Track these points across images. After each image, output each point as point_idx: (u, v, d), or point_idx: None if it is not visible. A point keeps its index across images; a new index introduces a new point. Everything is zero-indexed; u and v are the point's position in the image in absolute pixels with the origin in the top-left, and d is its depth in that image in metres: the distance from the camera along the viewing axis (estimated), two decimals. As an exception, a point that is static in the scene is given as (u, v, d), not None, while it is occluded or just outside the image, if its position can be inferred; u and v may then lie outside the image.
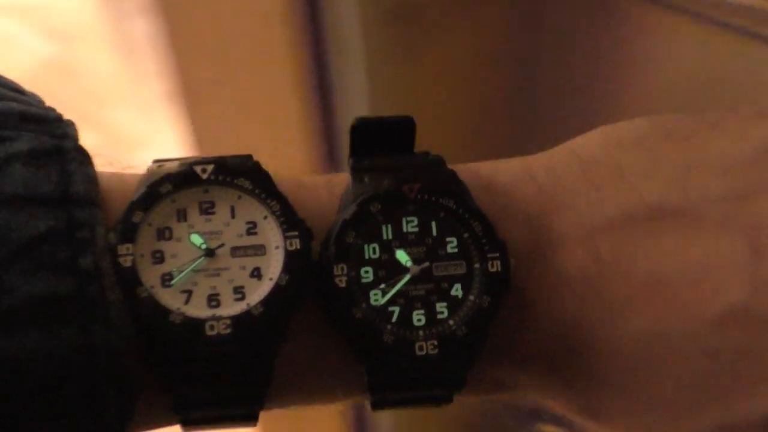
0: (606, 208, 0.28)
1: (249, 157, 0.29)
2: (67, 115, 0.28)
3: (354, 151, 0.30)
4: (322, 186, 0.30)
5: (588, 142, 0.30)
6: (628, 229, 0.28)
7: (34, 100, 0.27)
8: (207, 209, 0.27)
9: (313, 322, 0.27)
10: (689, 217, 0.27)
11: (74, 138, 0.26)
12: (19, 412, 0.22)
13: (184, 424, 0.27)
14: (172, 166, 0.28)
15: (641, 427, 0.29)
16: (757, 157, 0.28)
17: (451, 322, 0.28)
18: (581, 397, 0.29)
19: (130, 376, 0.24)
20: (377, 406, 0.29)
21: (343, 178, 0.30)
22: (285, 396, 0.28)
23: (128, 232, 0.26)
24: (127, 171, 0.29)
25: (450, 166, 0.30)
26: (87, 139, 0.28)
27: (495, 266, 0.28)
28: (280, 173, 0.29)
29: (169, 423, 0.28)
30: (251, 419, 0.27)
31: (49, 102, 0.29)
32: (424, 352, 0.27)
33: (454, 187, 0.29)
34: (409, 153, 0.31)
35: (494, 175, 0.30)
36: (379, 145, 0.30)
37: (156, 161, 0.28)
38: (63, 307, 0.23)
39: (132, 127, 1.69)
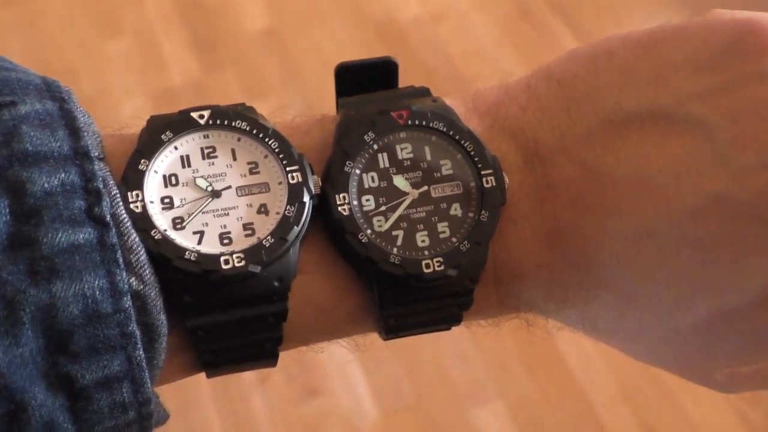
0: (585, 119, 0.30)
1: (242, 104, 0.31)
2: None
3: (340, 94, 0.32)
4: (313, 125, 0.32)
5: (562, 62, 0.32)
6: (608, 137, 0.29)
7: (30, 71, 0.28)
8: (209, 154, 0.29)
9: (321, 257, 0.29)
10: (666, 118, 0.29)
11: (74, 101, 0.27)
12: (59, 356, 0.24)
13: (206, 366, 0.29)
14: (170, 115, 0.29)
15: (636, 327, 0.31)
16: (727, 51, 0.29)
17: (453, 239, 0.29)
18: (578, 306, 0.31)
19: (152, 317, 0.26)
20: (390, 331, 0.31)
21: (333, 117, 0.32)
22: (300, 334, 0.30)
23: (135, 179, 0.27)
24: (128, 131, 0.30)
25: (434, 95, 0.32)
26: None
27: (490, 182, 0.30)
28: (272, 117, 0.31)
29: (193, 371, 0.30)
30: (272, 357, 0.30)
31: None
32: (431, 270, 0.29)
33: (443, 111, 0.31)
34: (393, 88, 0.33)
35: (477, 98, 0.32)
36: (364, 86, 0.32)
37: (153, 116, 0.30)
38: (84, 255, 0.24)
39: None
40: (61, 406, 0.24)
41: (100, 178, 0.26)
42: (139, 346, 0.25)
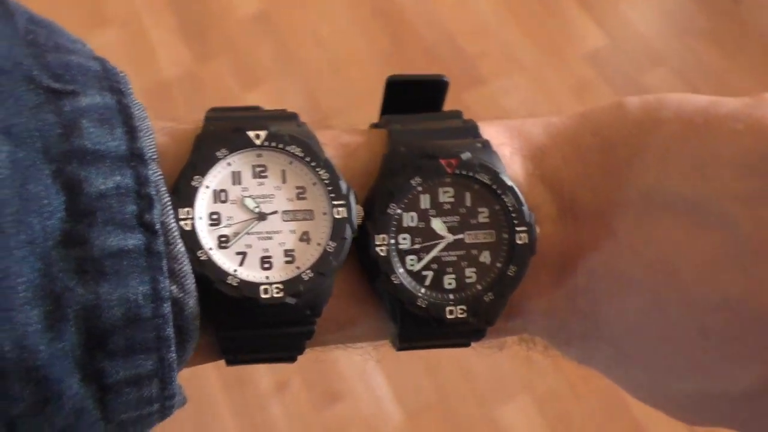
0: (624, 188, 0.31)
1: (293, 116, 0.32)
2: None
3: (387, 108, 0.34)
4: (362, 147, 0.32)
5: (610, 117, 0.33)
6: (643, 213, 0.30)
7: (87, 50, 0.29)
8: (260, 173, 0.30)
9: (352, 281, 0.31)
10: (702, 211, 0.30)
11: (131, 92, 0.28)
12: (96, 352, 0.25)
13: (229, 363, 0.31)
14: (226, 129, 0.30)
15: (628, 378, 0.34)
16: (751, 193, 0.29)
17: (479, 286, 0.31)
18: (578, 350, 0.34)
19: (188, 322, 0.27)
20: (404, 349, 0.32)
21: (381, 138, 0.32)
22: (322, 342, 0.32)
23: (187, 195, 0.28)
24: (178, 126, 0.31)
25: (481, 125, 0.33)
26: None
27: (522, 239, 0.31)
28: (321, 130, 0.32)
29: (215, 360, 0.31)
30: (290, 361, 0.31)
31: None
32: (453, 316, 0.31)
33: (487, 159, 0.32)
34: (438, 110, 0.34)
35: (522, 137, 0.33)
36: (412, 101, 0.33)
37: (209, 114, 0.31)
38: (132, 260, 0.25)
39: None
40: (91, 396, 0.25)
41: (153, 184, 0.27)
42: (172, 349, 0.26)
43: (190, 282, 0.27)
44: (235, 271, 0.29)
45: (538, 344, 0.36)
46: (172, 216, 0.27)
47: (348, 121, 0.34)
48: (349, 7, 1.69)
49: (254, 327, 0.29)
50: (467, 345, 0.33)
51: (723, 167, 0.30)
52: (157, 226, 0.26)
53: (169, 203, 0.28)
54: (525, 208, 0.31)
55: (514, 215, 0.31)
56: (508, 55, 1.62)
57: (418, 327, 0.31)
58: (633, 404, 1.23)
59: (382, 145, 0.32)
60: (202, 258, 0.28)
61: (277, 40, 1.64)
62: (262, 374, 1.23)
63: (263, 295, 0.29)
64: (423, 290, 0.31)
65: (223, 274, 0.28)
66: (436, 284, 0.31)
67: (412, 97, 0.34)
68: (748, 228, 0.29)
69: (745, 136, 0.30)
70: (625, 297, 0.31)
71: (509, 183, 0.31)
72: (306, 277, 0.29)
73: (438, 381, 1.26)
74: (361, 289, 0.31)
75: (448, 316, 0.31)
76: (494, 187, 0.31)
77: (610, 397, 1.24)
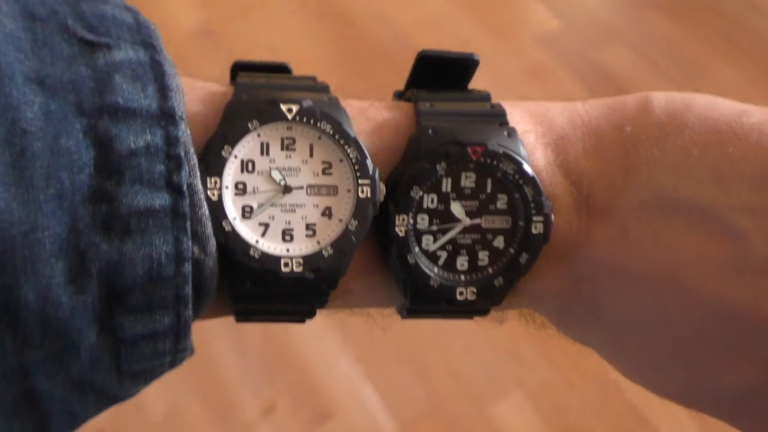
0: (641, 189, 0.32)
1: (326, 87, 0.32)
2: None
3: (412, 82, 0.34)
4: (389, 123, 0.32)
5: (636, 114, 0.33)
6: (656, 216, 0.31)
7: (119, 0, 0.29)
8: (288, 145, 0.30)
9: (366, 253, 0.32)
10: (715, 220, 0.30)
11: (162, 48, 0.28)
12: (116, 307, 0.26)
13: (239, 321, 0.32)
14: (259, 100, 0.30)
15: (623, 366, 0.35)
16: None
17: (490, 270, 0.32)
18: (578, 332, 0.35)
19: (206, 282, 0.28)
20: (408, 318, 0.34)
21: (408, 116, 0.33)
22: (333, 308, 0.33)
23: (216, 165, 0.29)
24: (207, 88, 0.31)
25: (506, 106, 0.33)
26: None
27: (538, 228, 0.32)
28: (349, 100, 0.32)
29: (225, 315, 0.32)
30: (300, 322, 0.33)
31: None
32: (464, 297, 0.32)
33: (512, 147, 0.32)
34: (465, 89, 0.34)
35: (545, 123, 0.34)
36: (438, 78, 0.34)
37: (241, 80, 0.31)
38: (157, 220, 0.26)
39: None
40: (108, 348, 0.26)
41: (182, 144, 0.27)
42: (189, 306, 0.27)
43: (212, 244, 0.28)
44: (257, 242, 0.30)
45: (537, 319, 0.37)
46: (198, 178, 0.28)
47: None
48: (293, 13, 1.66)
49: (271, 299, 0.31)
50: (470, 318, 0.35)
51: (742, 181, 0.31)
52: (184, 188, 0.27)
53: (197, 165, 0.28)
54: (544, 198, 0.32)
55: (532, 205, 0.32)
56: (461, 45, 1.60)
57: (427, 304, 0.32)
58: (627, 388, 1.22)
59: (410, 125, 0.33)
60: (226, 228, 0.29)
61: (225, 52, 1.60)
62: (247, 399, 1.20)
63: (284, 269, 0.29)
64: (436, 269, 0.32)
65: (246, 245, 0.29)
66: (449, 265, 0.32)
67: (441, 73, 0.34)
68: (759, 243, 0.30)
69: (767, 151, 0.31)
70: (628, 292, 0.32)
71: (531, 174, 0.32)
72: (326, 254, 0.30)
73: (429, 386, 1.23)
74: (375, 261, 0.32)
75: (458, 297, 0.32)
76: (516, 176, 0.32)
77: (604, 384, 1.23)
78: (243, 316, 0.32)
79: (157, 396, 1.17)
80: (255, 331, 1.24)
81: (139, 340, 0.27)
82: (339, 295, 0.32)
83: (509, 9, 1.67)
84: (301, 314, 0.32)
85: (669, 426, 1.20)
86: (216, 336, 1.22)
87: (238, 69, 0.32)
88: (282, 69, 0.33)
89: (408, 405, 1.21)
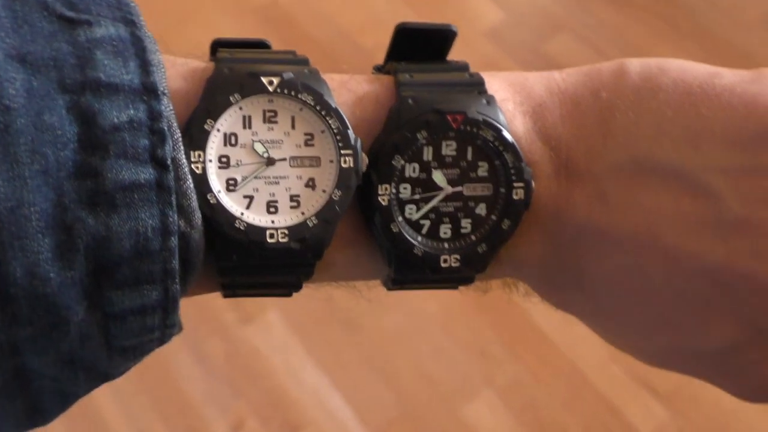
0: (618, 152, 0.33)
1: (305, 60, 0.32)
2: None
3: (392, 54, 0.34)
4: (370, 95, 0.33)
5: (612, 79, 0.34)
6: (633, 177, 0.32)
7: None
8: (270, 118, 0.31)
9: (350, 224, 0.32)
10: (689, 180, 0.31)
11: (143, 24, 0.28)
12: (104, 282, 0.26)
13: (226, 296, 0.33)
14: (240, 73, 0.31)
15: (604, 331, 0.36)
16: (763, 137, 0.31)
17: (473, 237, 0.33)
18: (559, 299, 0.36)
19: (193, 255, 0.28)
20: (394, 290, 0.34)
21: (388, 88, 0.33)
22: (315, 280, 0.33)
23: (199, 139, 0.29)
24: (188, 63, 0.31)
25: (484, 75, 0.34)
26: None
27: (518, 194, 0.33)
28: (329, 74, 0.33)
29: (212, 291, 0.33)
30: (287, 296, 0.33)
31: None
32: (447, 265, 0.33)
33: (492, 115, 0.33)
34: (443, 60, 0.35)
35: (524, 92, 0.34)
36: (419, 50, 0.34)
37: (221, 55, 0.31)
38: (143, 194, 0.26)
39: None
40: (96, 323, 0.26)
41: (165, 119, 0.27)
42: (177, 280, 0.27)
43: (197, 217, 0.28)
44: (242, 214, 0.30)
45: (520, 288, 0.37)
46: (182, 152, 0.28)
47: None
48: (234, 18, 1.63)
49: (257, 271, 0.31)
50: (455, 288, 0.35)
51: (714, 141, 0.32)
52: (169, 162, 0.27)
53: (180, 139, 0.28)
54: (524, 164, 0.33)
55: (513, 171, 0.33)
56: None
57: (412, 273, 0.33)
58: (595, 379, 1.23)
59: (390, 96, 0.33)
60: (211, 201, 0.29)
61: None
62: (215, 418, 1.17)
63: (269, 240, 0.30)
64: (420, 238, 0.33)
65: (231, 217, 0.30)
66: (433, 233, 0.33)
67: (420, 45, 0.34)
68: (731, 201, 0.31)
69: (738, 111, 0.32)
70: (608, 255, 0.33)
71: (510, 140, 0.33)
72: (311, 224, 0.30)
73: (398, 391, 1.22)
74: (359, 231, 0.33)
75: (443, 264, 0.33)
76: (496, 143, 0.33)
77: (572, 377, 1.23)
78: (229, 290, 0.32)
79: (124, 423, 1.14)
80: (217, 348, 1.21)
81: (128, 314, 0.27)
82: (324, 268, 0.32)
83: (453, 4, 1.66)
84: (288, 287, 0.33)
85: (638, 413, 1.21)
86: (179, 356, 1.19)
87: (218, 46, 0.33)
88: (261, 45, 0.34)
89: (378, 411, 1.20)
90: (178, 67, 0.31)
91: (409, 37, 0.34)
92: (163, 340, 0.29)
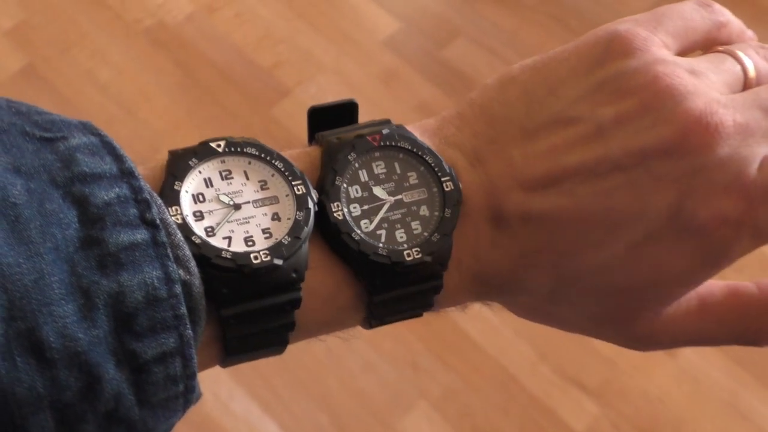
0: (506, 128, 0.39)
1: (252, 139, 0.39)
2: None
3: (315, 130, 0.40)
4: (300, 154, 0.39)
5: (480, 92, 0.41)
6: (524, 138, 0.38)
7: (63, 116, 0.34)
8: (226, 176, 0.36)
9: (321, 255, 0.36)
10: (562, 119, 0.38)
11: (107, 135, 0.33)
12: (125, 335, 0.29)
13: (230, 353, 0.35)
14: (193, 147, 0.36)
15: (525, 309, 0.41)
16: (598, 59, 0.38)
17: (425, 233, 0.38)
18: (503, 300, 0.41)
19: (196, 302, 0.32)
20: (377, 318, 0.38)
21: (317, 146, 0.39)
22: (307, 324, 0.36)
23: (172, 197, 0.34)
24: (146, 164, 0.36)
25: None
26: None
27: (449, 186, 0.38)
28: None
29: (214, 364, 0.36)
30: (283, 344, 0.36)
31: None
32: (411, 258, 0.37)
33: (405, 133, 0.39)
34: (356, 123, 0.41)
35: (423, 127, 0.41)
36: (331, 124, 0.40)
37: (173, 150, 0.37)
38: (142, 251, 0.30)
39: None
40: (126, 380, 0.29)
41: (146, 191, 0.31)
42: (188, 325, 0.30)
43: (193, 265, 0.32)
44: (226, 249, 0.34)
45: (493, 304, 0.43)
46: (167, 214, 0.33)
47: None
48: (122, 44, 1.59)
49: (251, 296, 0.34)
50: (431, 303, 0.39)
51: (564, 83, 0.39)
52: (158, 222, 0.31)
53: (162, 205, 0.33)
54: (443, 161, 0.39)
55: (436, 170, 0.38)
56: (305, 58, 1.60)
57: (383, 277, 0.37)
58: (526, 381, 1.25)
59: (320, 148, 0.39)
60: (197, 241, 0.33)
61: (52, 93, 1.52)
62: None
63: (254, 261, 0.34)
64: (381, 244, 0.37)
65: (218, 250, 0.34)
66: (390, 239, 0.37)
67: (332, 120, 0.40)
68: (596, 112, 0.37)
69: (572, 54, 0.39)
70: (522, 194, 0.38)
71: (426, 144, 0.39)
72: (285, 242, 0.35)
73: (332, 412, 1.22)
74: (332, 261, 0.37)
75: (407, 258, 0.36)
76: (415, 150, 0.39)
77: (503, 381, 1.26)
78: (234, 342, 0.35)
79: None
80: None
81: (152, 364, 0.30)
82: (314, 306, 0.36)
83: (347, 17, 1.67)
84: (285, 325, 0.36)
85: (571, 411, 1.23)
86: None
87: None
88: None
89: (315, 435, 1.19)
90: (140, 166, 0.36)
91: (321, 116, 0.40)
92: (187, 397, 0.32)
